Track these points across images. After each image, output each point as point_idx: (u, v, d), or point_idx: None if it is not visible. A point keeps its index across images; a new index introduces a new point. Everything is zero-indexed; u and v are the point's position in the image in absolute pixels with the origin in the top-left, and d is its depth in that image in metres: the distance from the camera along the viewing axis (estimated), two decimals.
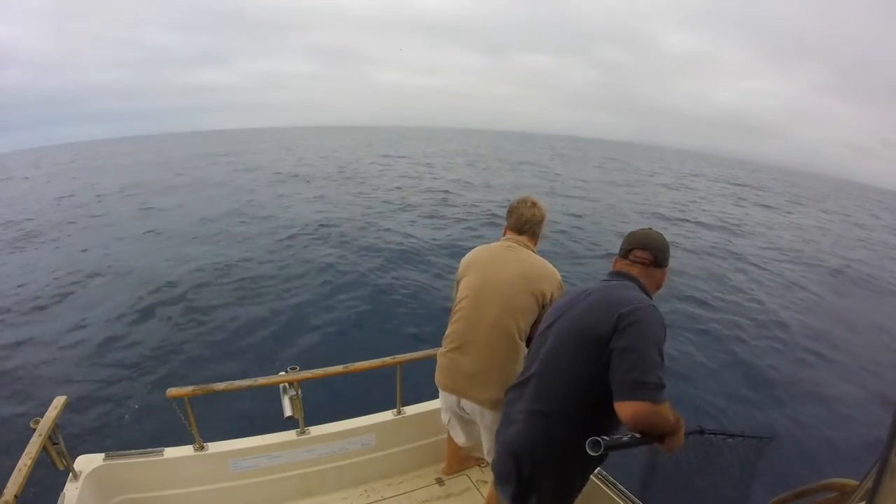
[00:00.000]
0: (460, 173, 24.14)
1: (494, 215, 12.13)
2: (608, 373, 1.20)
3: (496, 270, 1.85)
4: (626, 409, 1.13)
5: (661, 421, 1.13)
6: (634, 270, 1.43)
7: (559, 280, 1.85)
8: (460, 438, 2.14)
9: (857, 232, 19.23)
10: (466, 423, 2.06)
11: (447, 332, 1.95)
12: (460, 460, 2.49)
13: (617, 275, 1.45)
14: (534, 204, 1.98)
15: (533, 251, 1.94)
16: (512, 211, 2.00)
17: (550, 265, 1.89)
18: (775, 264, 10.79)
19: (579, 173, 29.51)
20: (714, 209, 18.67)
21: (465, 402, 1.90)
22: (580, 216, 13.60)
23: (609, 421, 1.26)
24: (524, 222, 1.95)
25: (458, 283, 1.99)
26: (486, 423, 1.91)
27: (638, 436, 1.12)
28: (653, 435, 1.14)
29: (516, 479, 1.40)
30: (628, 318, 1.20)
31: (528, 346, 1.80)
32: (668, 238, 1.52)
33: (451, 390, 1.92)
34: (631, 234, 1.50)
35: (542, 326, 1.53)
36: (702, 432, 1.51)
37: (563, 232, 11.22)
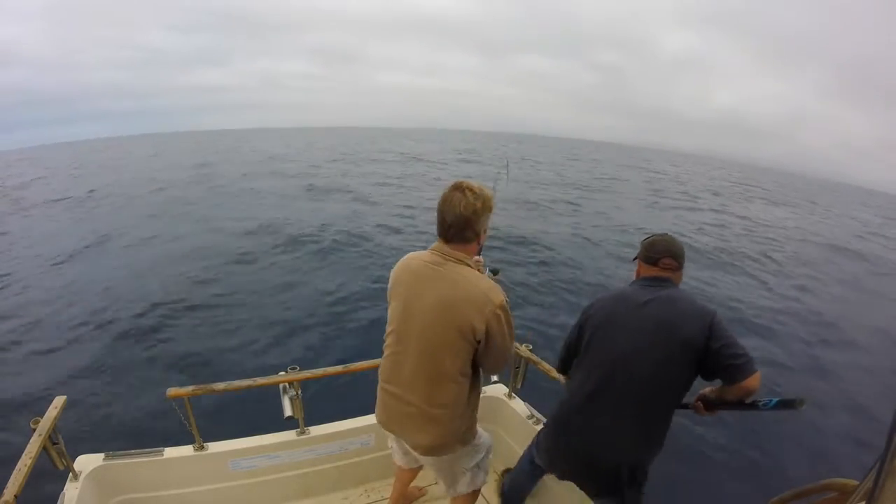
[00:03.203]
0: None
1: None
2: (703, 368, 1.46)
3: (415, 298, 1.47)
4: (751, 381, 1.39)
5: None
6: (668, 275, 1.62)
7: (496, 305, 1.41)
8: (400, 459, 1.89)
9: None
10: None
11: (381, 363, 1.63)
12: (406, 496, 2.25)
13: (657, 280, 1.62)
14: (464, 192, 1.43)
15: (465, 263, 1.47)
16: (439, 208, 1.47)
17: (485, 285, 1.44)
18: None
19: None
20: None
21: (403, 442, 1.67)
22: None
23: (668, 424, 1.54)
24: (448, 226, 1.45)
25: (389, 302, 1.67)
26: (429, 464, 1.72)
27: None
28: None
29: (616, 484, 1.55)
30: (714, 323, 1.45)
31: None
32: None
33: (388, 428, 1.65)
34: (655, 243, 1.66)
35: (595, 338, 1.62)
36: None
37: None
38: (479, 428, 1.73)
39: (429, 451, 1.57)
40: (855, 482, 1.06)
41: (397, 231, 10.79)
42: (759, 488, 3.38)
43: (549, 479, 2.12)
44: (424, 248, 1.57)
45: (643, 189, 24.31)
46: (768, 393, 1.46)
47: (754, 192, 32.74)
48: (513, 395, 2.57)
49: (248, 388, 2.04)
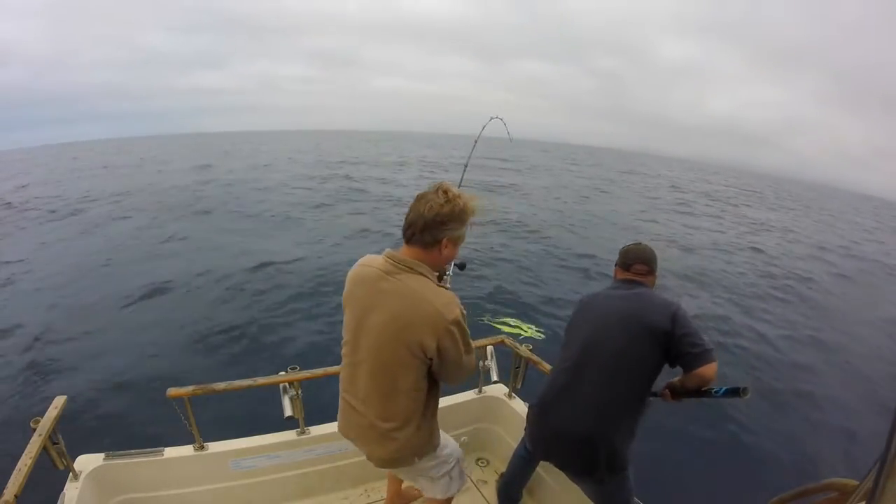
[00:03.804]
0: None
1: None
2: (669, 355, 1.59)
3: (366, 312, 1.38)
4: (706, 370, 1.52)
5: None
6: (640, 279, 1.80)
7: (449, 321, 1.30)
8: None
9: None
10: None
11: (340, 372, 1.57)
12: (404, 496, 2.18)
13: (629, 282, 1.81)
14: (437, 192, 1.32)
15: (422, 274, 1.35)
16: (411, 206, 1.36)
17: (439, 300, 1.31)
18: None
19: None
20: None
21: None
22: None
23: (639, 408, 1.64)
24: (408, 224, 1.34)
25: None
26: (394, 473, 1.67)
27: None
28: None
29: (592, 461, 1.63)
30: (678, 314, 1.60)
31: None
32: None
33: (347, 436, 1.58)
34: (629, 251, 1.86)
35: (571, 328, 1.81)
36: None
37: None
38: (447, 437, 1.66)
39: (384, 463, 1.52)
40: (855, 482, 1.06)
41: None
42: (758, 488, 3.38)
43: (545, 474, 2.13)
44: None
45: (641, 194, 24.48)
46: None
47: (751, 196, 33.12)
48: (513, 395, 2.57)
49: (249, 388, 2.04)
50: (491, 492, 2.36)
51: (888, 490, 0.47)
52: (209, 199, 14.82)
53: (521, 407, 2.49)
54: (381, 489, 2.37)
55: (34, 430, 1.61)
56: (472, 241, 9.36)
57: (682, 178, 43.24)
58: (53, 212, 13.46)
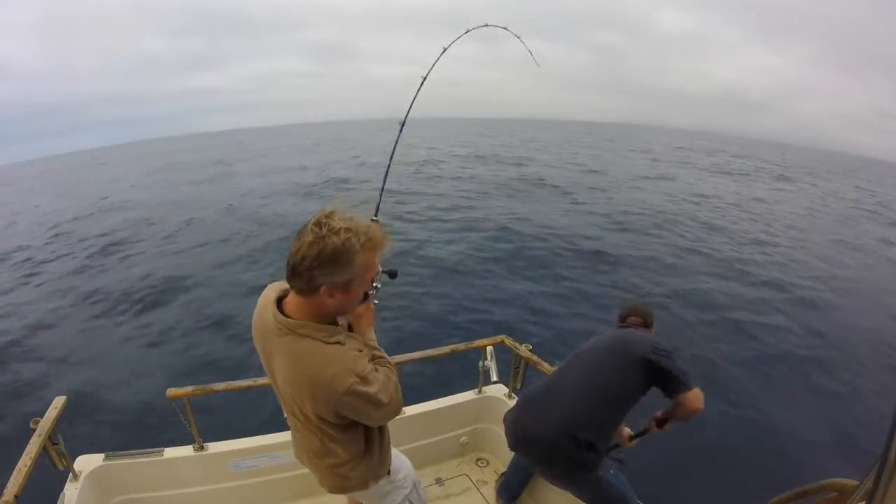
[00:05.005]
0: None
1: None
2: (647, 381, 1.74)
3: (268, 357, 1.21)
4: (692, 393, 1.68)
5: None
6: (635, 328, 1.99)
7: (342, 392, 1.08)
8: None
9: None
10: None
11: None
12: None
13: (625, 327, 2.00)
14: (316, 226, 1.04)
15: (307, 337, 1.11)
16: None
17: (328, 371, 1.09)
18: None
19: None
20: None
21: None
22: None
23: (620, 413, 1.79)
24: (288, 268, 1.08)
25: None
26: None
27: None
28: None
29: (558, 457, 1.74)
30: (661, 348, 1.75)
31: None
32: None
33: (300, 460, 1.49)
34: (625, 307, 2.10)
35: (574, 360, 1.94)
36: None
37: None
38: (401, 459, 1.57)
39: (335, 490, 1.42)
40: (855, 482, 1.06)
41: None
42: (757, 488, 3.38)
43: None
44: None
45: (644, 167, 24.59)
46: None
47: (753, 163, 33.26)
48: (513, 395, 2.57)
49: (248, 388, 2.04)
50: (491, 492, 2.36)
51: (888, 490, 0.47)
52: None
53: None
54: None
55: (34, 430, 1.61)
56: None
57: (685, 150, 41.87)
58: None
